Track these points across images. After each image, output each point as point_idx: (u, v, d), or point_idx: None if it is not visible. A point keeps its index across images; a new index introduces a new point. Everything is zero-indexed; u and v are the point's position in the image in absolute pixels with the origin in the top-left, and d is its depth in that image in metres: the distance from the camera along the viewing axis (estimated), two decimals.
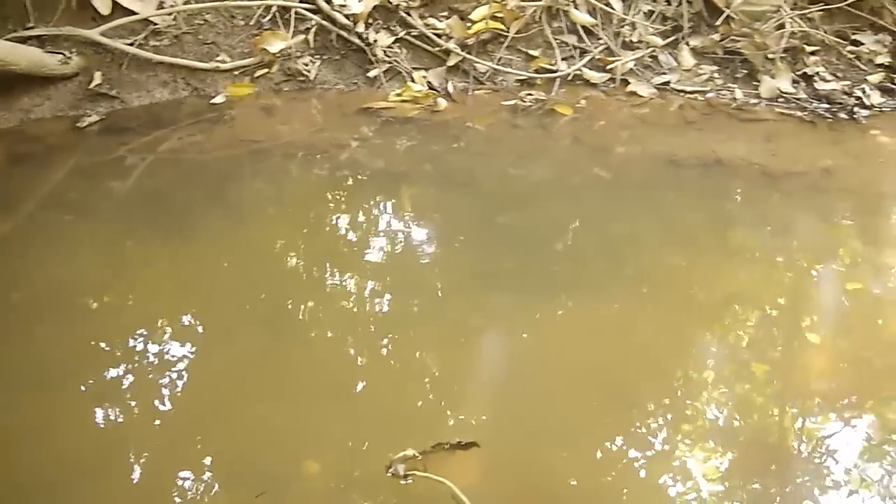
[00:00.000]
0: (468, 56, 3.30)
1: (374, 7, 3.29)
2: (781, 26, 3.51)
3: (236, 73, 3.20)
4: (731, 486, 1.73)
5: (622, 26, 3.53)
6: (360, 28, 3.24)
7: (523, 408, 1.87)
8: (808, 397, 2.01)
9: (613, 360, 2.04)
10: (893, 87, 3.51)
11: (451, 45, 3.31)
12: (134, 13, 3.13)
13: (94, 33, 3.04)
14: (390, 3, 3.30)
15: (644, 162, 2.93)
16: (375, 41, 3.24)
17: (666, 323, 2.19)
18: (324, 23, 3.26)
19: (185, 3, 3.20)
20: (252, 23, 3.28)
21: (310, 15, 3.25)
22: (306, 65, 3.21)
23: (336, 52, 3.28)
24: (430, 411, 1.85)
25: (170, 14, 3.18)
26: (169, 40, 3.18)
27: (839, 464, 1.79)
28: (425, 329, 2.10)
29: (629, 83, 3.39)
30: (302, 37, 3.25)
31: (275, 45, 3.18)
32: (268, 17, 3.27)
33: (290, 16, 3.26)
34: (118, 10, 3.13)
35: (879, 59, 3.64)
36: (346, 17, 3.25)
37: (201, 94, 3.14)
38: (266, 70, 3.21)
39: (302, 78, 3.22)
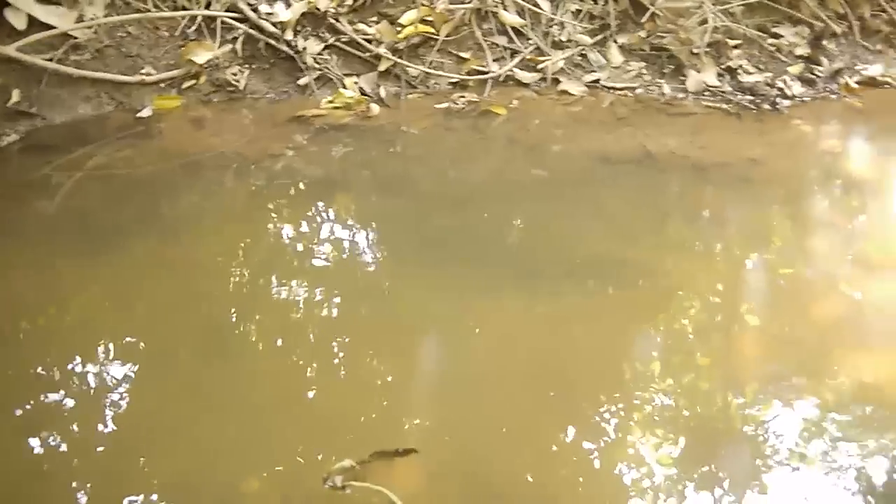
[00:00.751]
0: (399, 60, 3.30)
1: (303, 14, 3.26)
2: (704, 21, 3.60)
3: (163, 85, 3.13)
4: (681, 472, 1.76)
5: (551, 26, 3.57)
6: (289, 36, 3.21)
7: (465, 409, 1.87)
8: (751, 381, 2.06)
9: (556, 356, 2.06)
10: (813, 77, 3.64)
11: (382, 50, 3.30)
12: (52, 27, 3.03)
13: (9, 49, 2.94)
14: (318, 9, 3.27)
15: (579, 159, 2.97)
16: (305, 48, 3.21)
17: (607, 316, 2.22)
18: (251, 31, 3.21)
19: (105, 16, 3.12)
20: (177, 34, 3.22)
21: (236, 24, 3.20)
22: (235, 75, 3.16)
23: (265, 60, 3.24)
24: (371, 419, 1.83)
25: (90, 27, 3.09)
26: (91, 54, 3.10)
27: (783, 443, 1.84)
28: (365, 336, 2.08)
29: (560, 82, 3.44)
30: (229, 46, 3.19)
31: (201, 56, 3.12)
32: (193, 28, 3.21)
33: (216, 25, 3.20)
34: (35, 24, 3.03)
35: (799, 51, 3.76)
36: (274, 25, 3.21)
37: (127, 109, 3.06)
38: (193, 81, 3.15)
39: (231, 88, 3.16)
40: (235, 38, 3.22)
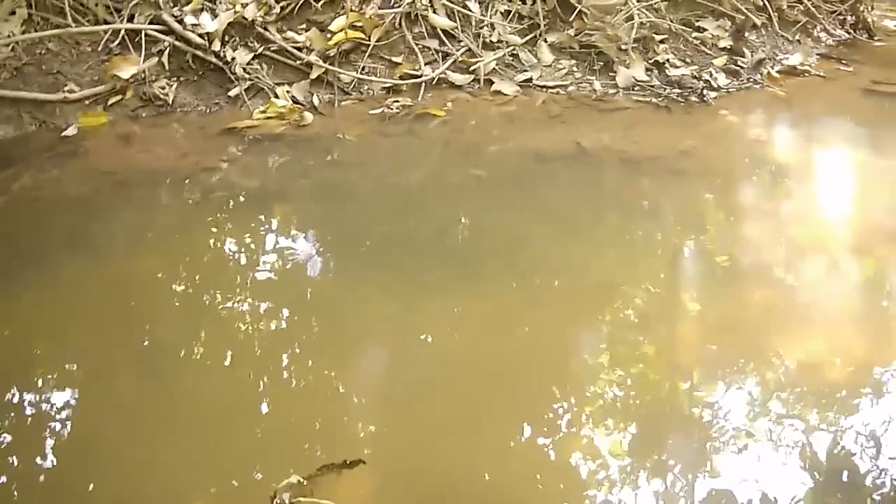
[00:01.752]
0: (331, 67, 3.28)
1: (230, 24, 3.20)
2: (630, 18, 3.67)
3: (87, 102, 3.04)
4: (634, 460, 1.79)
5: (481, 27, 3.59)
6: (217, 47, 3.15)
7: (412, 415, 1.87)
8: (694, 366, 2.11)
9: (502, 354, 2.07)
10: (737, 68, 3.74)
11: (313, 57, 3.27)
12: None
13: None
14: (246, 19, 3.23)
15: (515, 158, 2.99)
16: (234, 59, 3.16)
17: (551, 311, 2.24)
18: (177, 44, 3.15)
19: (23, 33, 3.02)
20: (100, 49, 3.13)
21: (161, 36, 3.13)
22: (163, 88, 3.09)
23: (194, 72, 3.18)
24: (317, 431, 1.81)
25: (7, 45, 2.99)
26: (9, 73, 2.99)
27: (729, 424, 1.90)
28: (309, 346, 2.06)
29: (493, 82, 3.46)
30: (155, 60, 3.12)
31: (126, 71, 3.04)
32: (116, 42, 3.13)
33: (140, 39, 3.13)
34: None
35: (722, 43, 3.87)
36: (201, 36, 3.15)
37: (51, 128, 2.97)
38: (120, 97, 3.07)
39: (160, 102, 3.10)
40: (161, 51, 3.15)
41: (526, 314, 2.22)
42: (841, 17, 4.49)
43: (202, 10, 3.20)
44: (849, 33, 4.45)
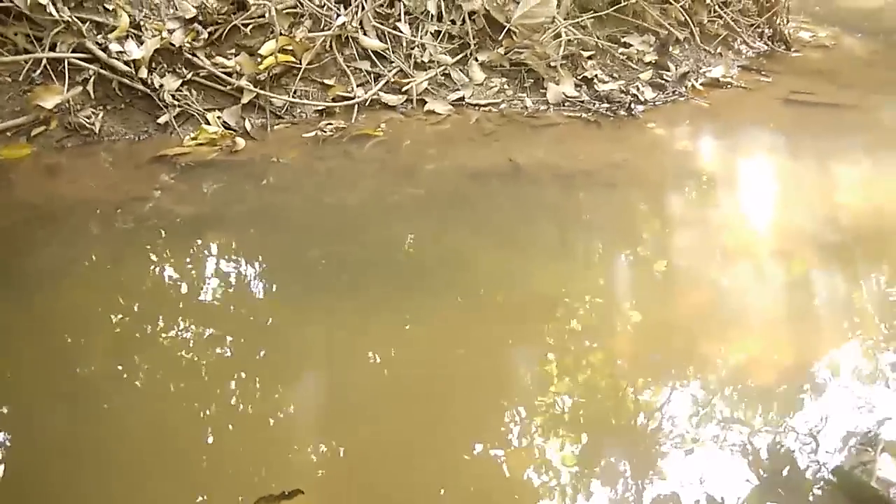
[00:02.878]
0: (262, 92, 3.25)
1: (156, 51, 3.15)
2: (558, 35, 3.75)
3: (9, 134, 2.95)
4: (583, 469, 1.82)
5: (412, 48, 3.62)
6: (144, 74, 3.10)
7: (351, 440, 1.86)
8: (640, 373, 2.16)
9: (443, 373, 2.07)
10: (662, 82, 3.85)
11: (243, 82, 3.24)
12: None
13: None
14: (173, 45, 3.18)
15: (451, 177, 3.01)
16: (162, 86, 3.11)
17: (496, 327, 2.26)
18: (103, 72, 3.08)
19: None
20: (21, 79, 3.04)
21: (85, 65, 3.06)
22: (89, 117, 3.02)
23: (120, 100, 3.11)
24: (254, 462, 1.79)
25: None
26: None
27: (678, 426, 1.95)
28: (251, 373, 2.03)
29: (426, 102, 3.48)
30: (80, 89, 3.05)
31: (50, 101, 2.96)
32: (39, 72, 3.05)
33: (63, 68, 3.05)
34: None
35: (647, 58, 3.98)
36: (127, 63, 3.09)
37: None
38: (44, 128, 2.99)
39: (86, 132, 3.02)
40: (86, 80, 3.07)
41: (470, 331, 2.23)
42: (759, 30, 4.67)
43: (127, 37, 3.14)
44: (767, 45, 4.63)
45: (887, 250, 2.76)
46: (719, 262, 2.66)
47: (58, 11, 3.03)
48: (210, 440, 1.84)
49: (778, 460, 1.87)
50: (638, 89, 3.74)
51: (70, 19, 3.05)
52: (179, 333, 2.18)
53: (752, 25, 4.63)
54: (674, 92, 3.83)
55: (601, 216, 2.87)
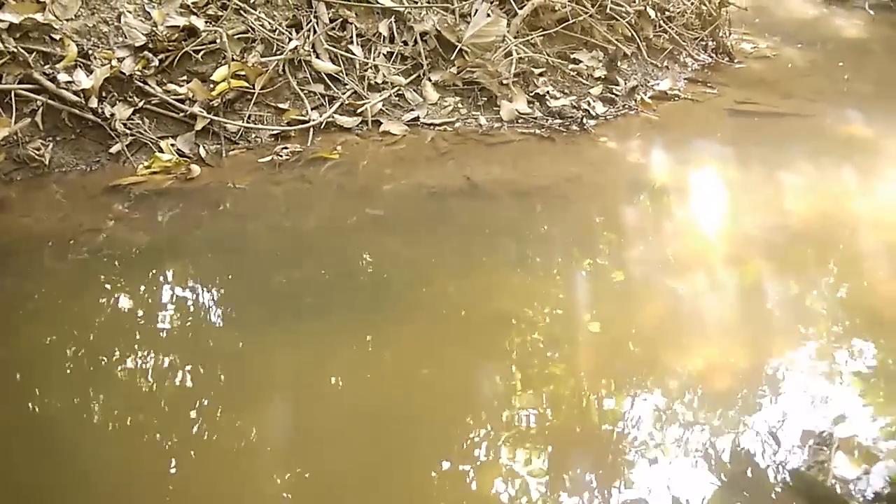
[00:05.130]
0: (216, 118, 3.23)
1: (106, 79, 3.12)
2: (509, 54, 3.80)
3: None
4: (555, 479, 1.86)
5: (365, 70, 3.63)
6: (94, 103, 3.06)
7: (321, 464, 1.86)
8: (603, 382, 2.20)
9: (414, 395, 2.09)
10: (612, 96, 3.93)
11: (196, 108, 3.22)
12: None
13: None
14: (123, 73, 3.15)
15: (408, 197, 3.03)
16: (113, 115, 3.07)
17: (460, 346, 2.29)
18: (51, 102, 3.03)
19: None
20: None
21: (33, 96, 3.01)
22: (38, 149, 2.97)
23: (71, 131, 3.07)
24: (225, 492, 1.78)
25: None
26: None
27: (642, 433, 2.01)
28: (214, 404, 2.02)
29: (381, 123, 3.50)
30: (28, 120, 3.00)
31: None
32: None
33: (10, 99, 3.00)
34: None
35: (597, 73, 4.05)
36: (76, 93, 3.05)
37: None
38: None
39: (35, 164, 2.97)
40: (34, 111, 3.02)
41: (434, 350, 2.25)
42: (703, 43, 4.79)
43: (76, 66, 3.10)
44: (711, 57, 4.75)
45: (834, 254, 2.86)
46: (674, 271, 2.72)
47: (3, 42, 2.98)
48: (174, 471, 1.82)
49: (740, 462, 1.92)
50: (589, 104, 3.81)
51: (16, 50, 3.00)
52: (139, 365, 2.16)
53: (697, 39, 4.76)
54: (624, 106, 3.90)
55: (559, 230, 2.91)
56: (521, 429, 2.02)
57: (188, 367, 2.15)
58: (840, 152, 3.54)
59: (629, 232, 2.97)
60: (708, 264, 2.77)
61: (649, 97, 4.05)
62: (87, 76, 3.10)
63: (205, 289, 2.51)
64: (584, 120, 3.68)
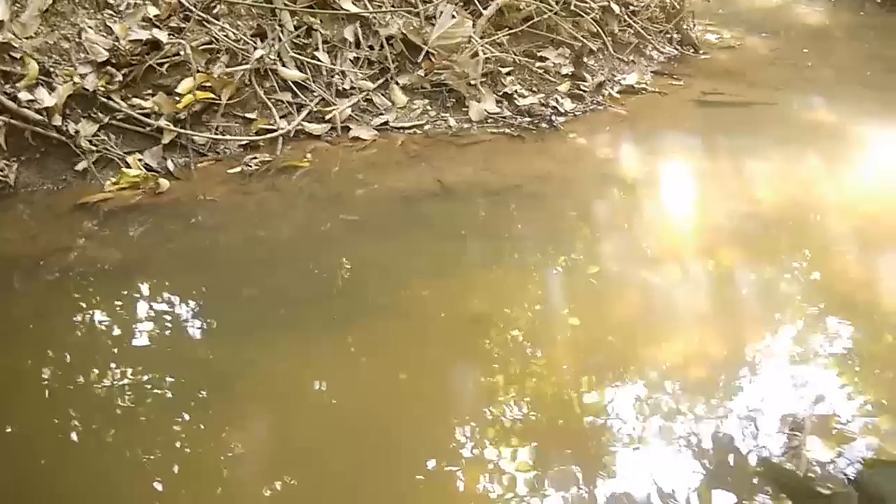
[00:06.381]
0: (183, 130, 3.21)
1: (69, 97, 3.08)
2: (476, 54, 3.80)
3: None
4: (540, 473, 1.88)
5: (332, 76, 3.62)
6: (57, 121, 3.02)
7: (303, 474, 1.85)
8: (583, 374, 2.21)
9: (396, 402, 2.09)
10: (580, 92, 3.95)
11: (163, 122, 3.19)
12: None
13: None
14: (86, 89, 3.11)
15: (380, 201, 3.02)
16: (78, 132, 3.03)
17: (439, 349, 2.29)
18: (14, 122, 2.99)
19: None
20: None
21: None
22: (2, 170, 2.92)
23: (35, 150, 3.02)
24: None
25: None
26: None
27: (626, 424, 2.02)
28: (193, 418, 2.00)
29: (350, 129, 3.49)
30: None
31: None
32: None
33: None
34: None
35: (564, 70, 4.07)
36: (39, 112, 3.01)
37: None
38: None
39: (0, 185, 2.93)
40: None
41: (411, 355, 2.25)
42: (668, 36, 4.83)
43: (37, 84, 3.06)
44: (677, 49, 4.80)
45: (804, 240, 2.89)
46: (648, 263, 2.74)
47: None
48: (155, 486, 1.80)
49: (721, 450, 1.94)
50: (557, 101, 3.82)
51: None
52: (115, 384, 2.13)
53: (661, 31, 4.80)
54: (592, 101, 3.93)
55: (532, 229, 2.92)
56: (503, 427, 2.02)
57: (165, 384, 2.13)
58: (806, 139, 3.58)
59: (602, 227, 2.98)
60: (681, 255, 2.79)
61: (617, 92, 4.08)
62: (50, 94, 3.06)
63: (179, 304, 2.48)
64: (553, 117, 3.70)
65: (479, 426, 2.01)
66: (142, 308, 2.47)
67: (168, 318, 2.41)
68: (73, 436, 1.96)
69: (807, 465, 1.76)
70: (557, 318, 2.46)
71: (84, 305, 2.47)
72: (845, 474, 1.77)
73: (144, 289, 2.56)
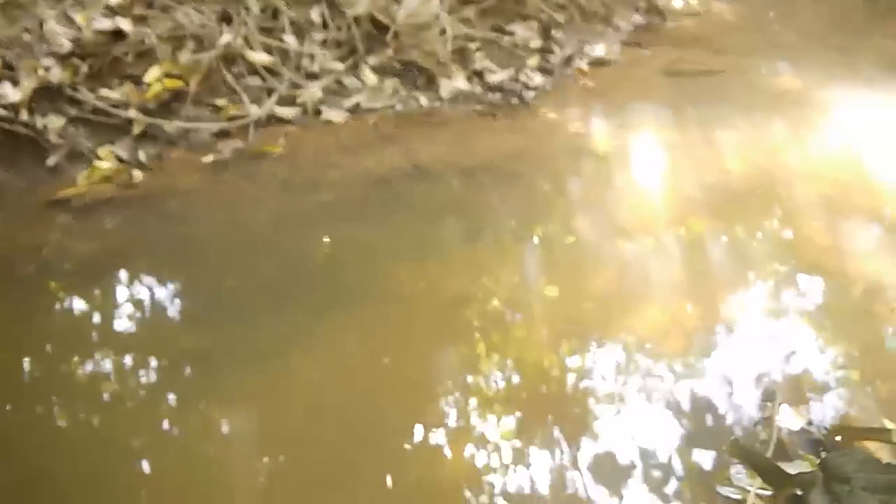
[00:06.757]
0: (153, 120, 3.18)
1: (36, 90, 3.04)
2: (444, 31, 3.80)
3: None
4: (525, 440, 1.96)
5: (301, 59, 3.60)
6: (24, 116, 2.99)
7: (294, 462, 1.90)
8: (564, 342, 2.28)
9: (382, 386, 2.14)
10: (549, 66, 3.96)
11: (132, 112, 3.16)
12: None
13: None
14: (52, 82, 3.08)
15: (355, 186, 3.03)
16: (46, 126, 3.00)
17: (418, 329, 2.33)
18: None
19: None
20: None
21: None
22: None
23: (4, 147, 2.98)
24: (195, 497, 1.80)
25: None
26: None
27: (604, 389, 2.12)
28: (179, 411, 2.04)
29: (321, 112, 3.48)
30: None
31: None
32: None
33: None
34: None
35: (532, 44, 4.08)
36: (5, 107, 2.97)
37: None
38: None
39: None
40: None
41: (394, 338, 2.29)
42: (635, 5, 4.84)
43: (1, 79, 3.02)
44: (644, 18, 4.81)
45: (772, 208, 2.95)
46: (623, 235, 2.79)
47: None
48: (143, 475, 1.84)
49: (700, 410, 2.03)
50: (527, 76, 3.84)
51: None
52: (98, 378, 2.16)
53: (627, 1, 4.80)
54: (561, 75, 3.94)
55: (507, 206, 2.96)
56: (487, 396, 2.09)
57: (147, 377, 2.15)
58: (773, 106, 3.63)
59: (576, 202, 3.03)
60: (653, 225, 2.85)
61: (586, 64, 4.09)
62: (14, 88, 3.02)
63: (158, 298, 2.49)
64: (524, 93, 3.71)
65: (462, 406, 2.07)
66: (121, 304, 2.48)
67: (147, 312, 2.42)
68: (58, 426, 1.99)
69: (778, 434, 1.83)
70: (535, 293, 2.51)
71: (61, 304, 2.47)
72: (814, 440, 1.85)
73: (122, 285, 2.56)
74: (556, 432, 1.98)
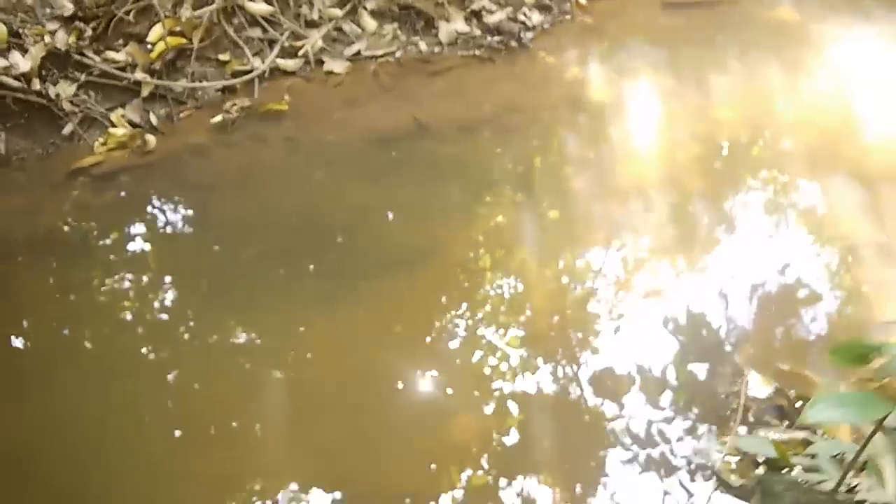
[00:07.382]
0: (160, 81, 3.26)
1: (44, 58, 3.11)
2: None
3: None
4: (530, 361, 2.29)
5: (300, 6, 3.62)
6: (36, 85, 3.06)
7: (324, 429, 2.12)
8: (551, 311, 2.48)
9: (385, 355, 2.34)
10: (548, 3, 3.95)
11: (139, 74, 3.24)
12: None
13: None
14: (59, 48, 3.13)
15: (358, 147, 3.11)
16: (58, 94, 3.09)
17: (429, 296, 2.53)
18: None
19: None
20: None
21: None
22: None
23: (20, 116, 3.08)
24: (223, 470, 2.03)
25: None
26: None
27: (603, 317, 2.42)
28: (200, 387, 2.25)
29: (324, 62, 3.53)
30: None
31: None
32: None
33: None
34: None
35: None
36: (16, 77, 3.05)
37: None
38: None
39: None
40: None
41: (405, 306, 2.49)
42: None
43: (9, 48, 3.08)
44: None
45: (763, 163, 3.08)
46: (620, 192, 2.94)
47: None
48: (168, 450, 2.07)
49: (693, 327, 2.35)
50: (525, 15, 3.85)
51: None
52: (128, 349, 2.36)
53: None
54: (559, 12, 3.95)
55: (507, 165, 3.08)
56: (494, 339, 2.35)
57: (171, 348, 2.35)
58: (769, 44, 3.67)
59: (574, 157, 3.15)
60: (648, 183, 2.99)
61: None
62: (23, 57, 3.08)
63: (182, 270, 2.66)
64: (522, 33, 3.74)
65: (459, 366, 2.31)
66: (144, 276, 2.63)
67: (172, 284, 2.59)
68: (91, 393, 2.22)
69: (746, 403, 2.06)
70: (519, 262, 2.68)
71: (93, 280, 2.63)
72: (778, 406, 2.08)
73: (144, 257, 2.72)
74: (558, 353, 2.30)
